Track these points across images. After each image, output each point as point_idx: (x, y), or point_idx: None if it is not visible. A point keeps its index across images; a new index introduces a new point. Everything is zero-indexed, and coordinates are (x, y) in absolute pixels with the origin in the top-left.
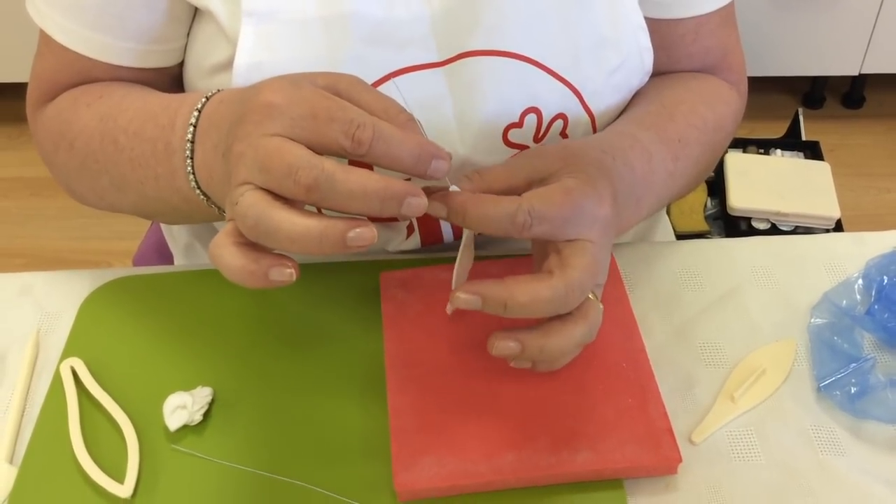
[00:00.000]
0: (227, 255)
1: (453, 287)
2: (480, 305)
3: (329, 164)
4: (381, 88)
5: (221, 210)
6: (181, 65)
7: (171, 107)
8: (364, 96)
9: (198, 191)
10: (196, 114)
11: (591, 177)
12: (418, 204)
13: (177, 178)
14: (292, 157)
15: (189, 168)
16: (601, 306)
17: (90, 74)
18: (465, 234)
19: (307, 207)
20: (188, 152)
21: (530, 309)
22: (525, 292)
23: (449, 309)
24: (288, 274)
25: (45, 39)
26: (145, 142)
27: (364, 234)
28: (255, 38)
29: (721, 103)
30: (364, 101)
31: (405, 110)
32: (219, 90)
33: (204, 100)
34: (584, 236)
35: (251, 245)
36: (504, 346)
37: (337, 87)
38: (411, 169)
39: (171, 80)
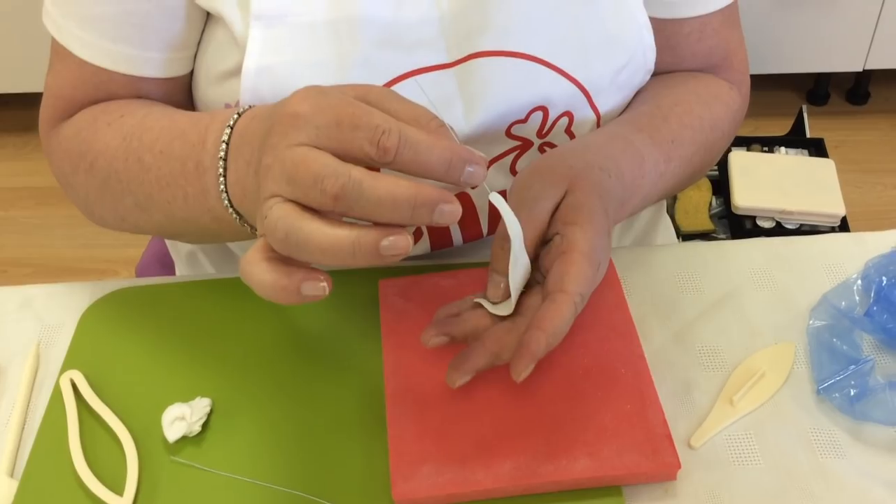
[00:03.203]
0: (257, 272)
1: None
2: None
3: (357, 172)
4: (399, 87)
5: (253, 228)
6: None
7: (201, 123)
8: (394, 105)
9: (230, 209)
10: (228, 130)
11: (591, 213)
12: (451, 211)
13: (209, 198)
14: (318, 166)
15: (222, 186)
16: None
17: (108, 89)
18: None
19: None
20: (221, 170)
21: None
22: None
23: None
24: (321, 288)
25: (59, 54)
26: (174, 160)
27: (398, 243)
28: (263, 42)
29: (719, 103)
30: (394, 110)
31: (437, 117)
32: (250, 106)
33: (236, 116)
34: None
35: (283, 260)
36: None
37: (367, 97)
38: (443, 176)
39: (186, 87)
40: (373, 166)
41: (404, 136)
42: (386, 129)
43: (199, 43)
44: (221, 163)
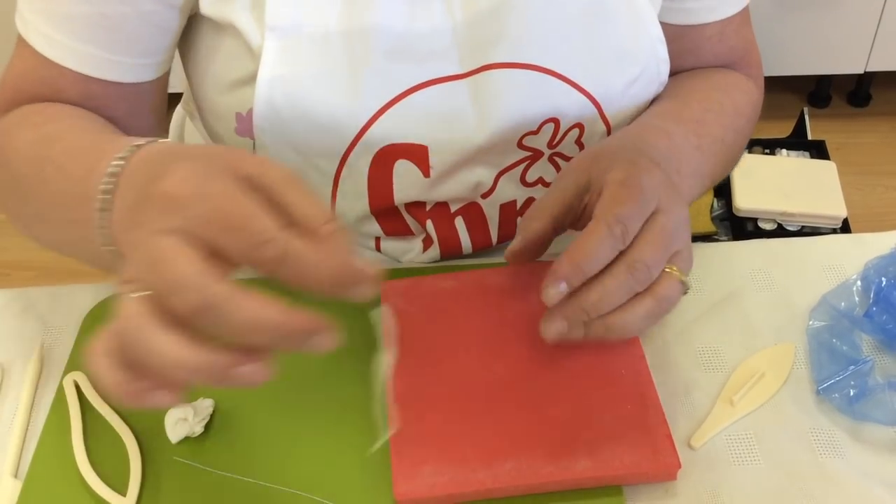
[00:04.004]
0: (101, 366)
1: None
2: (566, 288)
3: (218, 289)
4: (410, 98)
5: None
6: (152, 82)
7: (99, 146)
8: (290, 196)
9: (108, 248)
10: (120, 162)
11: (627, 159)
12: (323, 342)
13: (89, 229)
14: (179, 273)
15: (103, 222)
16: (683, 279)
17: (56, 85)
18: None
19: None
20: (102, 204)
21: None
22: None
23: (549, 331)
24: (168, 399)
25: (18, 47)
26: (67, 180)
27: (252, 374)
28: (277, 52)
29: (737, 91)
30: (288, 202)
31: (333, 219)
32: (149, 141)
33: (132, 147)
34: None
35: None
36: (556, 328)
37: (262, 179)
38: (328, 294)
39: (143, 96)
40: None
41: (287, 250)
42: (268, 238)
43: (198, 52)
44: (104, 196)
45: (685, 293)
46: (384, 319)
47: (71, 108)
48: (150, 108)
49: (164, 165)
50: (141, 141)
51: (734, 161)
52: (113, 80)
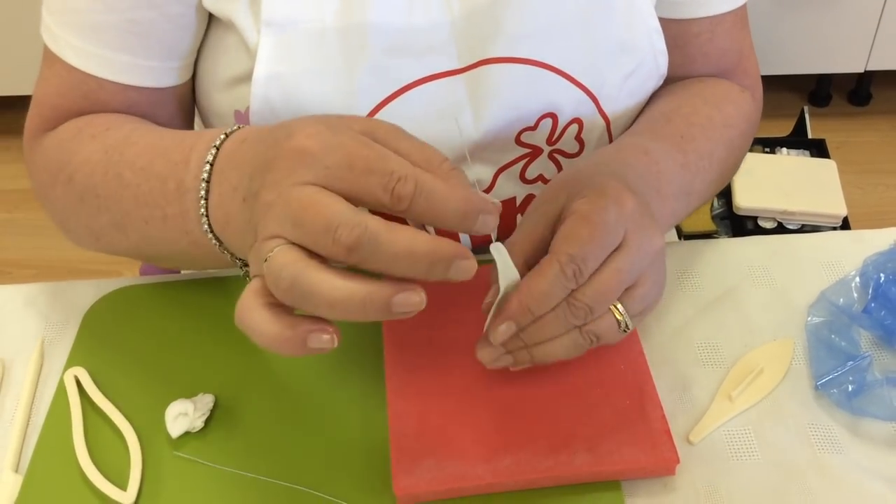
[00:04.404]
0: (258, 320)
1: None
2: (514, 328)
3: (373, 222)
4: (408, 95)
5: (234, 257)
6: (185, 84)
7: (186, 142)
8: (403, 144)
9: (210, 235)
10: (214, 151)
11: (597, 186)
12: (467, 267)
13: (187, 220)
14: (330, 213)
15: (202, 210)
16: (622, 319)
17: (97, 97)
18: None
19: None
20: (202, 192)
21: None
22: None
23: (485, 358)
24: (328, 340)
25: (48, 63)
26: (154, 178)
27: (411, 299)
28: (273, 49)
29: (728, 103)
30: (403, 150)
31: (448, 160)
32: (239, 126)
33: (223, 136)
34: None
35: (283, 307)
36: (489, 354)
37: (375, 133)
38: (457, 226)
39: (180, 99)
40: (380, 211)
41: (420, 184)
42: (402, 175)
43: (202, 49)
44: (203, 185)
45: (625, 332)
46: (501, 251)
47: (123, 116)
48: (187, 111)
49: (285, 129)
50: (227, 129)
51: (728, 176)
52: (150, 87)
